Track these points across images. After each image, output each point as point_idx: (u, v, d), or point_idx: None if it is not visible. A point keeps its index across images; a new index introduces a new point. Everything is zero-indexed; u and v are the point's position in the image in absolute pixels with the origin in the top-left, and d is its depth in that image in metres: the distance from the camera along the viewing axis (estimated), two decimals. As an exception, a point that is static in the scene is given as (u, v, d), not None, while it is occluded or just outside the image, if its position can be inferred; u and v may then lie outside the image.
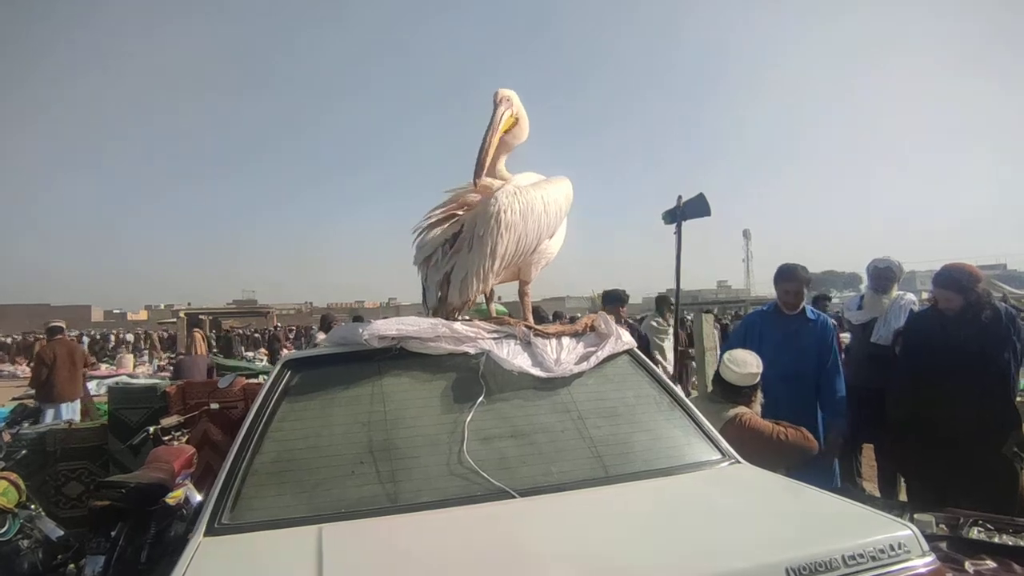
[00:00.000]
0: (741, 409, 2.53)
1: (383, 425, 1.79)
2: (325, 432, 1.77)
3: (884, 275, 3.94)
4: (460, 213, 2.32)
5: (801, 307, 3.45)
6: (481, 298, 2.40)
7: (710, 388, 5.51)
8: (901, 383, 3.33)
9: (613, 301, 5.53)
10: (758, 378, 2.68)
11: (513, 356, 1.99)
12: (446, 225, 2.29)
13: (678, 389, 2.17)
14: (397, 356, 1.97)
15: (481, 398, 1.87)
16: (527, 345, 2.07)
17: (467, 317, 2.33)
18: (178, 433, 3.39)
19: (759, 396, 2.71)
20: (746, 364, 2.68)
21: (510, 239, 2.15)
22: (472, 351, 1.99)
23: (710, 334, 6.33)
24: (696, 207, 4.41)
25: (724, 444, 1.91)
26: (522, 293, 2.42)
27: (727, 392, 2.69)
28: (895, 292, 3.92)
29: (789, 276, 3.42)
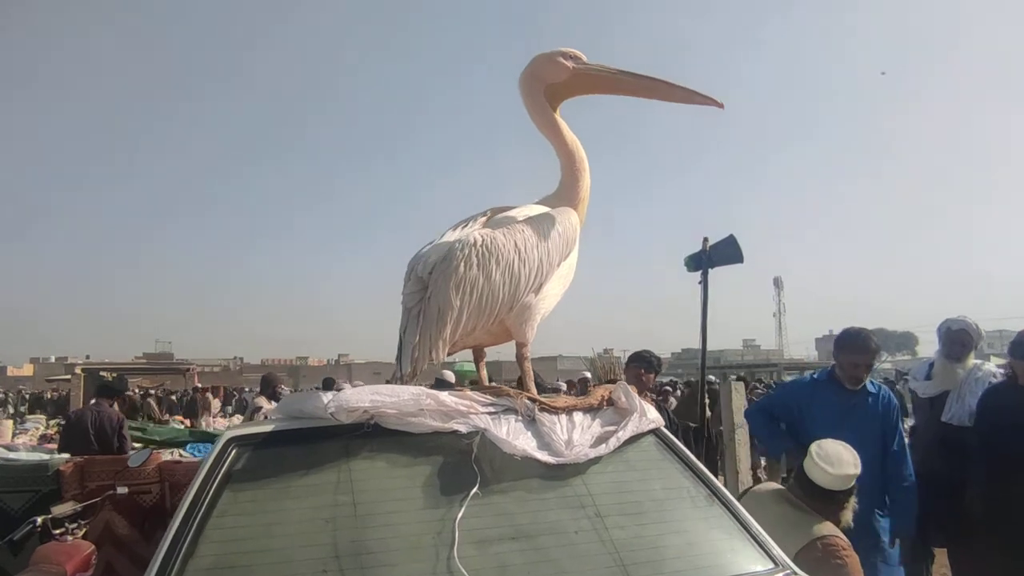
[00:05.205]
0: (831, 530, 2.39)
1: (351, 522, 1.77)
2: (278, 530, 1.74)
3: (958, 339, 3.92)
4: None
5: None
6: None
7: (739, 476, 5.49)
8: (978, 472, 3.35)
9: (636, 363, 4.55)
10: (855, 480, 2.55)
11: (514, 436, 1.99)
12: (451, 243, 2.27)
13: (720, 480, 2.16)
14: (370, 434, 1.96)
15: (475, 489, 1.86)
16: (530, 422, 2.08)
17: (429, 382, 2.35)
18: (74, 525, 3.27)
19: (852, 502, 2.57)
20: (842, 463, 2.54)
21: (468, 301, 2.17)
22: (463, 429, 1.99)
23: (741, 407, 6.31)
24: (726, 252, 4.49)
25: (777, 551, 1.90)
26: (520, 357, 2.45)
27: (815, 497, 2.54)
28: (971, 361, 3.93)
29: (861, 348, 3.39)
